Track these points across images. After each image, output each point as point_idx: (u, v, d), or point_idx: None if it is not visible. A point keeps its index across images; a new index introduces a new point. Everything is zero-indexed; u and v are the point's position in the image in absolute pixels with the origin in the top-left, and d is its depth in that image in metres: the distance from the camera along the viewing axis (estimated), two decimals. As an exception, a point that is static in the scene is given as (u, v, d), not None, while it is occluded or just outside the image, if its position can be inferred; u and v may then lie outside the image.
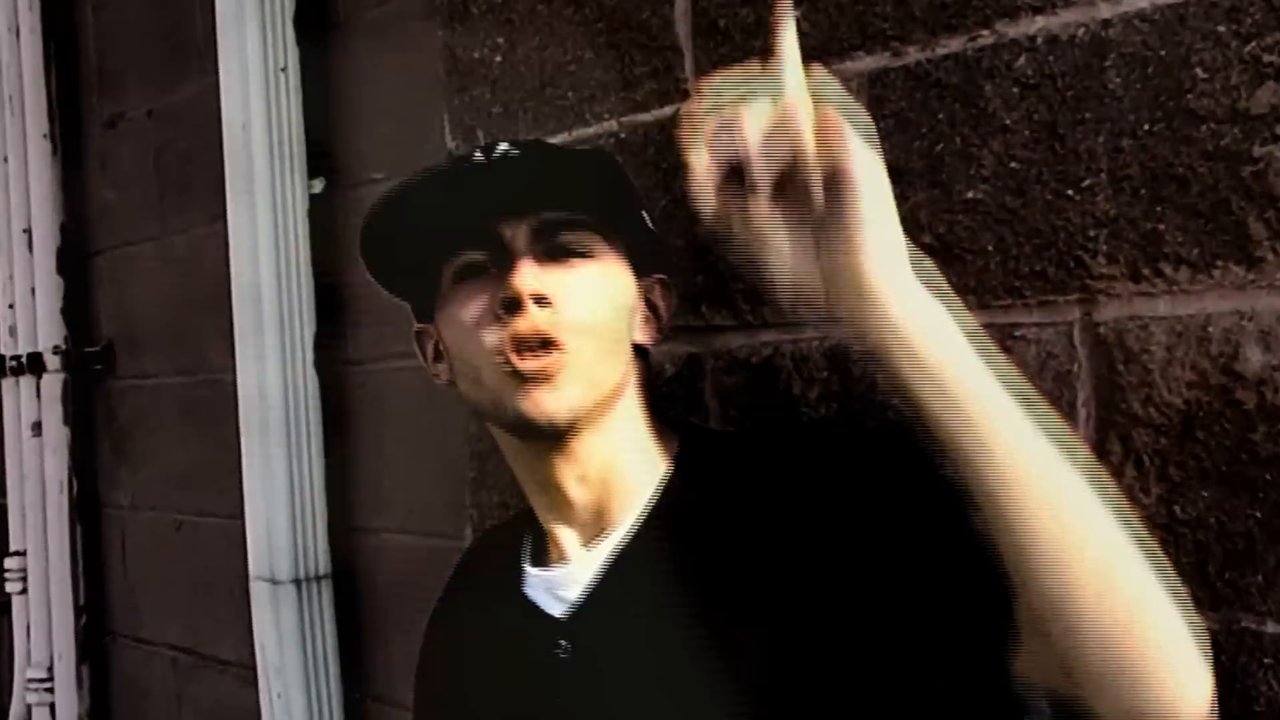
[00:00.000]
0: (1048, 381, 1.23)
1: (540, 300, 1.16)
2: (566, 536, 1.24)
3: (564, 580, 1.22)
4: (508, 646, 1.26)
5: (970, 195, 1.28)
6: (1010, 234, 1.25)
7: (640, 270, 1.28)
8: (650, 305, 1.30)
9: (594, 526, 1.23)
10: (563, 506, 1.24)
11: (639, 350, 1.27)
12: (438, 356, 1.31)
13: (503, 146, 1.18)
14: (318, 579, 2.19)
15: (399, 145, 2.05)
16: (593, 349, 1.18)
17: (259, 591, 2.19)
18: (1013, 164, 1.24)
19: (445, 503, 1.98)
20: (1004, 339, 1.26)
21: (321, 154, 2.19)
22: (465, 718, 1.30)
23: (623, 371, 1.23)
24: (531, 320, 1.15)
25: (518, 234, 1.19)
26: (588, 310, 1.19)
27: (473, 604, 1.37)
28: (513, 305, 1.15)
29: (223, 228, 2.24)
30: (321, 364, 2.19)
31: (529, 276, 1.16)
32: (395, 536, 2.12)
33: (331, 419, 2.20)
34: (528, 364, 1.15)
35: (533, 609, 1.23)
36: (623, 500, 1.22)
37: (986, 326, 1.24)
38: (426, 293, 1.27)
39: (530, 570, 1.26)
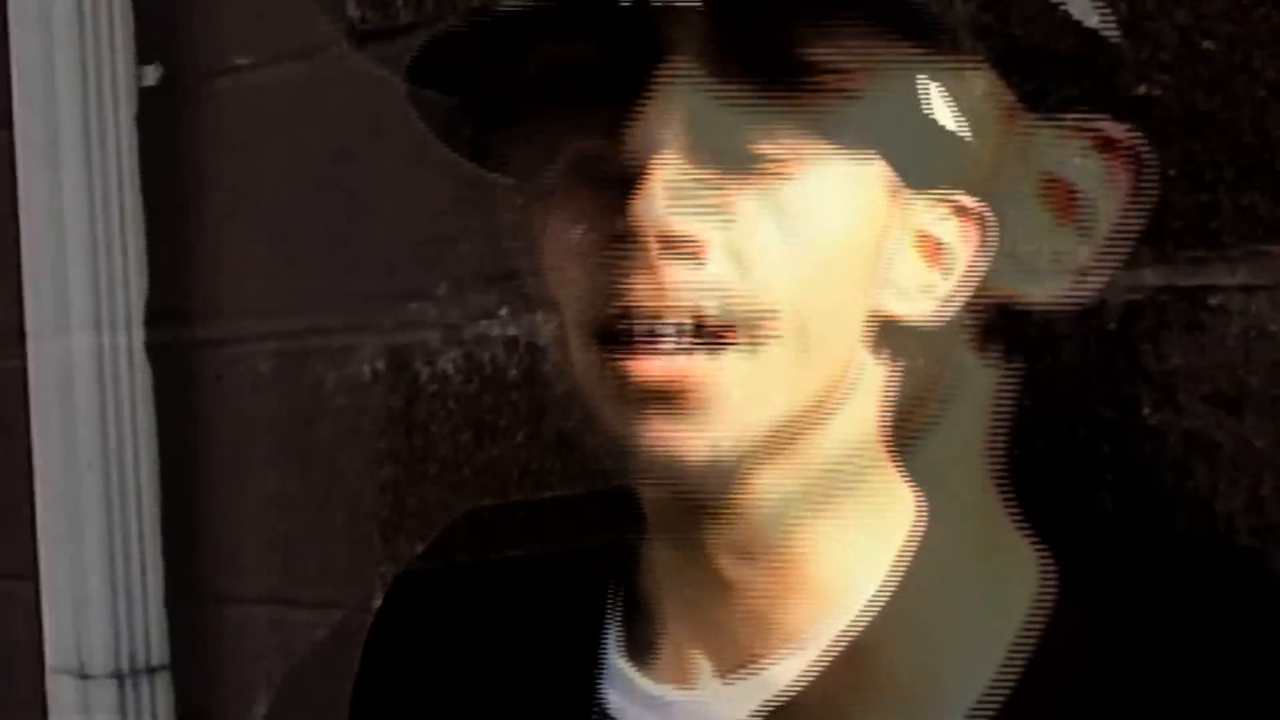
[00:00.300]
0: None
1: (682, 246, 0.75)
2: (695, 647, 0.88)
3: (677, 714, 0.89)
4: None
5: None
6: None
7: (917, 177, 0.80)
8: (928, 242, 0.81)
9: (747, 643, 0.86)
10: (706, 592, 0.87)
11: (892, 331, 0.82)
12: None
13: None
14: (149, 670, 1.77)
15: (273, 20, 1.68)
16: (800, 332, 0.78)
17: (60, 689, 1.79)
18: None
19: (343, 557, 1.62)
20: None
21: (156, 33, 1.80)
22: None
23: (843, 371, 0.81)
24: (659, 286, 0.76)
25: (670, 103, 0.77)
26: (785, 268, 0.77)
27: (489, 651, 1.01)
28: (628, 250, 0.77)
29: (7, 138, 1.85)
30: (158, 346, 1.77)
31: (662, 196, 0.75)
32: (265, 609, 1.72)
33: (170, 433, 1.78)
34: (648, 370, 0.77)
35: None
36: (814, 601, 0.84)
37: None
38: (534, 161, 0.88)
39: (622, 667, 0.90)
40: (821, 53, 0.73)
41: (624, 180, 0.74)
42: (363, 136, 1.57)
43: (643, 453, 0.78)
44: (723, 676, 0.85)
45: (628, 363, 0.75)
